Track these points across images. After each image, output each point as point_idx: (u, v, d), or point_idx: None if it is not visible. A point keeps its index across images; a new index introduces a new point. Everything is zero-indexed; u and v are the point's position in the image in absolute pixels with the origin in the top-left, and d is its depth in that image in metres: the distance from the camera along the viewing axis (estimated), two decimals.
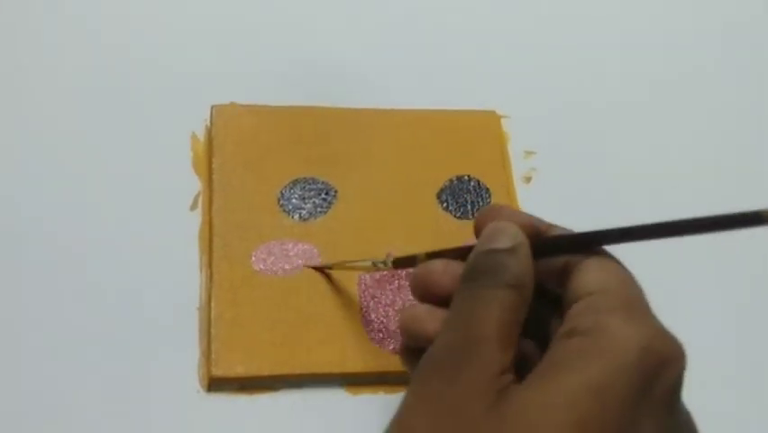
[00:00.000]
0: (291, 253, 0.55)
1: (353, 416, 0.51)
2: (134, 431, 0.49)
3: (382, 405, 0.52)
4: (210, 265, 0.54)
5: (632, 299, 0.32)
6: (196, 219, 0.56)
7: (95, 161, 0.57)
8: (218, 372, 0.50)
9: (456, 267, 0.39)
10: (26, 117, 0.59)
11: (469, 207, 0.59)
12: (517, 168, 0.62)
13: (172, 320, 0.52)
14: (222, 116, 0.60)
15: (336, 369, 0.51)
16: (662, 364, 0.31)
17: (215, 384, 0.51)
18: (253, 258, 0.54)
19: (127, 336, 0.51)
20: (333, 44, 0.65)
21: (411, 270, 0.54)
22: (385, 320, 0.53)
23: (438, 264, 0.40)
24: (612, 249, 0.52)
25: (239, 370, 0.50)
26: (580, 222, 0.60)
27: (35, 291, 0.52)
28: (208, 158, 0.59)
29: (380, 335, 0.53)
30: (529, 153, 0.63)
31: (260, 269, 0.54)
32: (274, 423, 0.50)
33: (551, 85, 0.67)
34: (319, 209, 0.57)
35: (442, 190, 0.59)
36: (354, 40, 0.66)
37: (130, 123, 0.60)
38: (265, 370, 0.51)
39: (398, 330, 0.52)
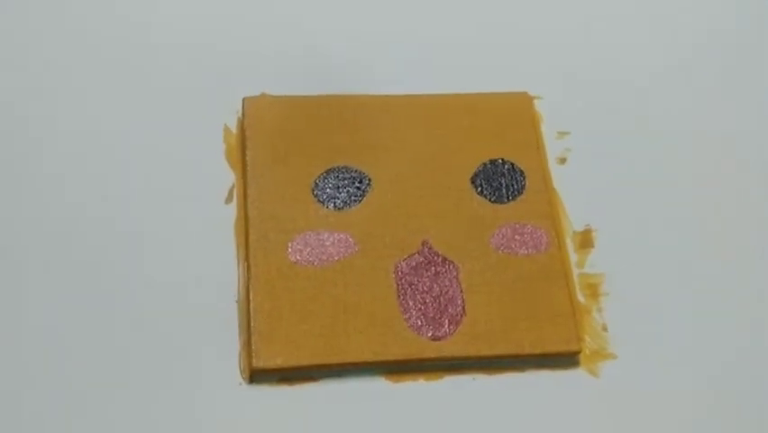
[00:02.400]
0: (327, 243, 0.56)
1: (394, 403, 0.52)
2: (178, 423, 0.50)
3: (422, 392, 0.52)
4: (247, 258, 0.55)
5: None
6: (231, 212, 0.57)
7: (130, 156, 0.58)
8: (259, 363, 0.51)
9: None
10: (61, 114, 0.59)
11: (504, 190, 0.59)
12: (551, 149, 0.62)
13: (212, 313, 0.53)
14: (253, 108, 0.60)
15: (375, 357, 0.52)
16: None
17: (257, 376, 0.51)
18: (290, 249, 0.55)
19: (168, 329, 0.52)
20: (362, 31, 0.66)
21: (448, 257, 0.55)
22: (423, 307, 0.54)
23: None
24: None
25: (279, 361, 0.51)
26: (616, 203, 0.60)
27: (74, 287, 0.53)
28: (241, 150, 0.59)
29: (419, 322, 0.53)
30: (563, 134, 0.63)
31: (297, 260, 0.55)
32: (316, 413, 0.51)
33: (582, 63, 0.66)
34: (354, 198, 0.58)
35: (476, 175, 0.59)
36: (383, 26, 0.66)
37: (163, 117, 0.60)
38: (305, 360, 0.51)
39: (436, 317, 0.53)
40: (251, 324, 0.52)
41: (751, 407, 0.54)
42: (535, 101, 0.64)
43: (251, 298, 0.53)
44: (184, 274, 0.54)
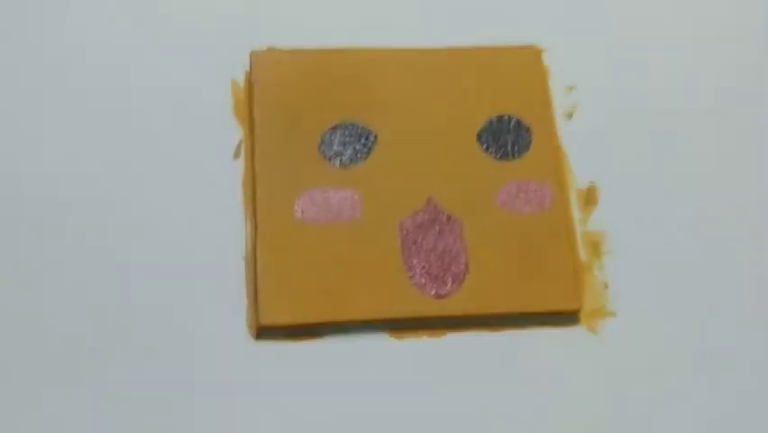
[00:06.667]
0: (333, 201, 0.57)
1: (398, 360, 0.54)
2: (186, 378, 0.52)
3: (425, 349, 0.54)
4: (254, 215, 0.56)
5: None
6: (239, 168, 0.59)
7: (135, 110, 0.59)
8: (266, 320, 0.53)
9: None
10: (67, 71, 0.61)
11: (509, 147, 0.60)
12: (558, 103, 0.63)
13: (220, 270, 0.55)
14: (261, 63, 0.61)
15: (380, 315, 0.54)
16: None
17: (263, 332, 0.53)
18: (296, 207, 0.57)
19: (176, 286, 0.54)
20: None
21: (452, 214, 0.56)
22: (427, 265, 0.55)
23: None
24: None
25: (285, 318, 0.53)
26: (621, 159, 0.61)
27: (82, 245, 0.55)
28: (249, 105, 0.60)
29: (422, 280, 0.55)
30: (570, 88, 0.64)
31: (303, 217, 0.56)
32: (321, 368, 0.53)
33: (591, 15, 0.66)
34: (359, 155, 0.59)
35: (482, 131, 0.60)
36: None
37: (170, 71, 0.61)
38: (311, 317, 0.53)
39: (440, 275, 0.55)
40: (258, 281, 0.54)
41: (751, 365, 0.56)
42: (543, 54, 0.64)
43: (257, 255, 0.55)
44: (192, 230, 0.56)
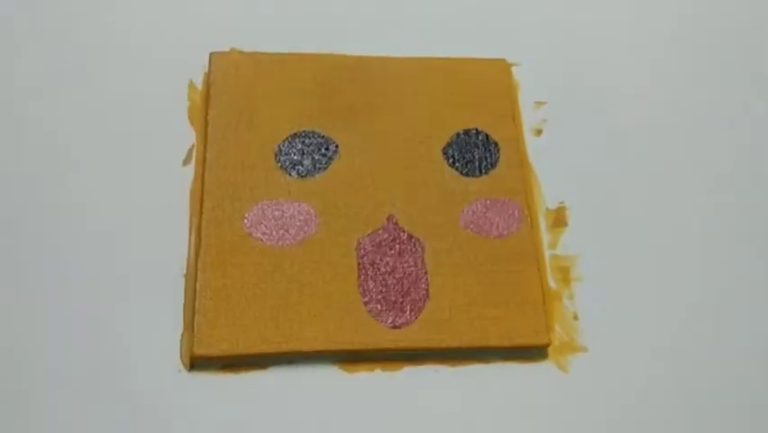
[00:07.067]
0: (287, 214, 0.41)
1: (349, 395, 0.38)
2: (108, 412, 0.36)
3: (379, 383, 0.38)
4: (199, 227, 0.40)
5: None
6: (188, 175, 0.42)
7: (85, 107, 0.43)
8: (200, 350, 0.37)
9: None
10: (24, 71, 0.44)
11: (476, 163, 0.44)
12: (528, 119, 0.47)
13: (156, 287, 0.39)
14: (220, 64, 0.45)
15: (329, 346, 0.38)
16: None
17: (198, 362, 0.37)
18: (246, 220, 0.40)
19: (105, 302, 0.38)
20: None
21: (414, 233, 0.40)
22: (384, 290, 0.39)
23: None
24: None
25: (223, 347, 0.37)
26: (594, 178, 0.46)
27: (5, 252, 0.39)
28: (205, 109, 0.44)
29: (378, 306, 0.39)
30: (540, 104, 0.48)
31: (252, 232, 0.40)
32: (261, 404, 0.37)
33: (563, 30, 0.51)
34: (318, 165, 0.43)
35: (448, 145, 0.45)
36: None
37: (126, 69, 0.45)
38: (252, 348, 0.37)
39: (398, 301, 0.39)
40: (197, 303, 0.38)
41: (727, 404, 0.40)
42: (513, 68, 0.48)
43: (198, 273, 0.39)
44: (130, 240, 0.40)
